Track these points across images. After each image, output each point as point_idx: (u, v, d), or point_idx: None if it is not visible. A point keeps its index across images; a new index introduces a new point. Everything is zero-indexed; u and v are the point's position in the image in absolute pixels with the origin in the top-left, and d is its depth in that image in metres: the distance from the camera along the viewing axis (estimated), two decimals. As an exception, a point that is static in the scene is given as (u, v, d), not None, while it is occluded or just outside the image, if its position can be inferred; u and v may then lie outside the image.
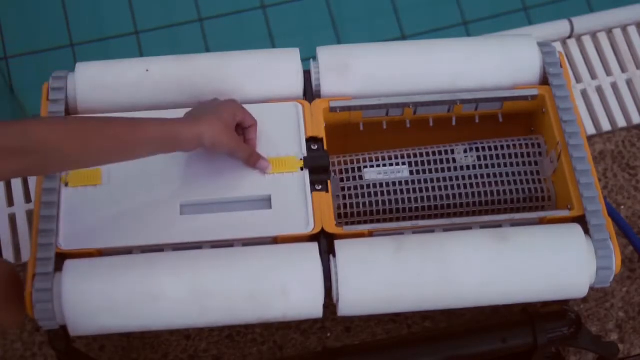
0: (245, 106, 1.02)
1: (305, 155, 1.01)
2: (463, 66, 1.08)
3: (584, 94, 1.46)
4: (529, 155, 1.08)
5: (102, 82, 1.05)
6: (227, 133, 0.95)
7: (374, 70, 1.07)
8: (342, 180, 1.06)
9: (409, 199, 1.04)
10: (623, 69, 1.48)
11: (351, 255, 0.94)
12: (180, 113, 0.98)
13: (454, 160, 1.07)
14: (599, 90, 1.46)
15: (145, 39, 1.76)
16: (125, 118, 0.91)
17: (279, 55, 1.09)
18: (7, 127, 0.80)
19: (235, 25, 1.79)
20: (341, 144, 1.09)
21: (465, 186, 1.05)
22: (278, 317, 0.94)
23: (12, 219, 1.33)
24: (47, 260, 0.92)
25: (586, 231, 0.97)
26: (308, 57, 1.09)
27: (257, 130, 1.02)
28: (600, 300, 1.26)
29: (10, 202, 1.35)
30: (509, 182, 1.06)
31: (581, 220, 0.98)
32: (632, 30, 1.50)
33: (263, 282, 0.92)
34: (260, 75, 1.06)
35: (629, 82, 1.47)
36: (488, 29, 1.72)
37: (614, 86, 1.47)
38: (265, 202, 0.98)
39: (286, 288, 0.92)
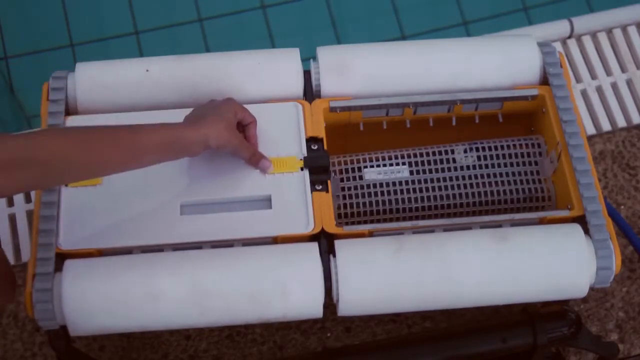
0: (246, 106, 1.02)
1: (306, 155, 1.01)
2: (463, 66, 1.08)
3: (584, 94, 1.46)
4: (529, 155, 1.08)
5: (102, 82, 1.05)
6: (230, 132, 0.95)
7: (374, 70, 1.07)
8: (342, 180, 1.06)
9: (409, 199, 1.04)
10: (623, 69, 1.48)
11: (351, 255, 0.94)
12: (180, 113, 0.98)
13: (454, 160, 1.07)
14: (599, 90, 1.46)
15: (145, 39, 1.76)
16: (128, 125, 0.90)
17: (279, 55, 1.09)
18: (9, 140, 0.79)
19: (235, 25, 1.79)
20: (341, 144, 1.09)
21: (465, 186, 1.05)
22: (278, 317, 0.94)
23: (12, 219, 1.33)
24: (47, 260, 0.92)
25: (586, 231, 0.97)
26: (308, 57, 1.09)
27: (256, 127, 1.02)
28: (600, 300, 1.26)
29: (10, 202, 1.35)
30: (509, 182, 1.06)
31: (581, 220, 0.98)
32: (632, 30, 1.50)
33: (263, 282, 0.93)
34: (260, 75, 1.06)
35: (629, 82, 1.47)
36: (488, 29, 1.72)
37: (614, 86, 1.47)
38: (266, 202, 0.98)
39: (286, 288, 0.92)
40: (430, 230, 0.99)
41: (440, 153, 1.08)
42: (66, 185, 0.99)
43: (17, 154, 0.79)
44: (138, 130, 0.88)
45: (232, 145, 0.96)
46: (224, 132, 0.94)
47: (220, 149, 0.95)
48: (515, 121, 1.11)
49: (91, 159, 0.85)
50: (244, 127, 1.01)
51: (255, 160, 0.99)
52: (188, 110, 0.99)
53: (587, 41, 1.50)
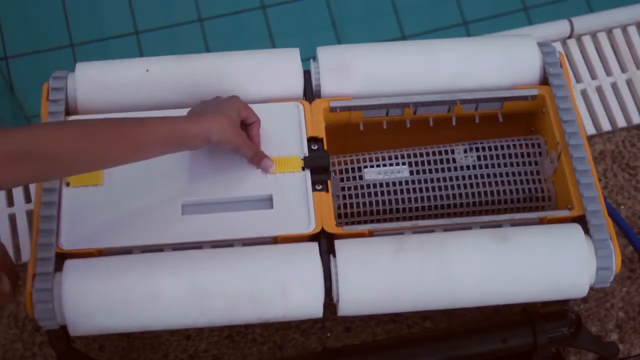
0: (246, 106, 1.02)
1: (306, 155, 1.01)
2: (463, 66, 1.08)
3: (584, 94, 1.46)
4: (529, 155, 1.08)
5: (102, 82, 1.05)
6: (233, 129, 0.95)
7: (374, 70, 1.07)
8: (342, 180, 1.06)
9: (409, 199, 1.04)
10: (623, 69, 1.48)
11: (351, 255, 0.94)
12: (180, 113, 0.98)
13: (454, 160, 1.07)
14: (599, 90, 1.46)
15: (145, 39, 1.76)
16: (131, 118, 0.91)
17: (279, 55, 1.09)
18: (15, 132, 0.80)
19: (235, 25, 1.79)
20: (341, 144, 1.09)
21: (465, 186, 1.05)
22: (278, 317, 0.94)
23: (12, 219, 1.33)
24: (47, 260, 0.92)
25: (586, 231, 0.97)
26: (308, 57, 1.09)
27: (260, 127, 1.02)
28: (600, 300, 1.26)
29: (10, 202, 1.35)
30: (509, 182, 1.06)
31: (581, 220, 0.98)
32: (632, 30, 1.50)
33: (263, 282, 0.93)
34: (260, 75, 1.06)
35: (629, 82, 1.47)
36: (488, 29, 1.72)
37: (614, 86, 1.46)
38: (267, 202, 0.98)
39: (286, 288, 0.92)
40: (430, 230, 0.99)
41: (440, 153, 1.08)
42: (67, 185, 0.99)
43: (23, 146, 0.79)
44: (142, 123, 0.89)
45: (233, 142, 0.96)
46: (225, 128, 0.94)
47: (221, 145, 0.95)
48: (515, 121, 1.11)
49: (96, 152, 0.86)
50: (248, 126, 1.01)
51: (257, 159, 0.99)
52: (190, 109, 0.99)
53: (587, 41, 1.50)
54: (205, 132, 0.92)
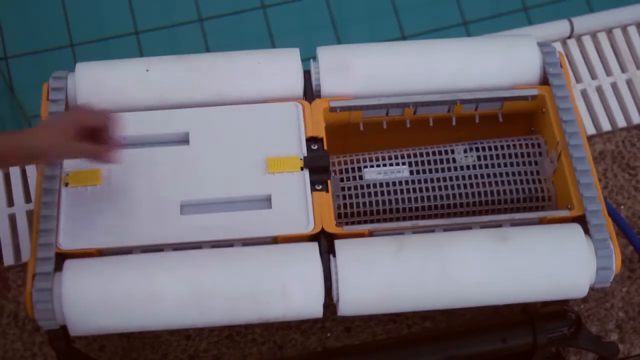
0: (246, 106, 1.02)
1: (306, 155, 1.01)
2: (463, 66, 1.08)
3: (584, 94, 1.46)
4: (529, 155, 1.08)
5: (102, 82, 1.05)
6: (58, 142, 0.90)
7: (374, 70, 1.07)
8: (342, 180, 1.06)
9: (409, 199, 1.04)
10: (623, 69, 1.48)
11: (351, 255, 0.94)
12: (180, 113, 0.98)
13: (454, 160, 1.07)
14: (599, 90, 1.46)
15: (145, 39, 1.76)
16: None
17: (279, 55, 1.09)
18: None
19: (235, 25, 1.79)
20: (341, 144, 1.09)
21: (465, 186, 1.05)
22: (278, 317, 0.94)
23: (12, 219, 1.33)
24: (47, 260, 0.92)
25: (586, 231, 0.97)
26: (308, 57, 1.09)
27: (113, 128, 0.94)
28: (600, 300, 1.26)
29: (10, 202, 1.35)
30: (509, 182, 1.06)
31: (581, 220, 0.98)
32: (632, 30, 1.50)
33: (263, 282, 0.93)
34: (260, 75, 1.06)
35: (629, 82, 1.47)
36: (488, 29, 1.72)
37: (614, 86, 1.46)
38: (266, 202, 0.98)
39: (286, 288, 0.92)
40: (430, 230, 0.99)
41: (440, 153, 1.08)
42: (66, 185, 0.99)
43: None
44: None
45: (59, 154, 0.93)
46: (47, 144, 0.90)
47: (47, 160, 0.95)
48: (515, 121, 1.11)
49: None
50: (101, 132, 0.94)
51: (100, 158, 0.94)
52: (188, 110, 0.99)
53: (587, 41, 1.50)
54: (12, 151, 0.89)
